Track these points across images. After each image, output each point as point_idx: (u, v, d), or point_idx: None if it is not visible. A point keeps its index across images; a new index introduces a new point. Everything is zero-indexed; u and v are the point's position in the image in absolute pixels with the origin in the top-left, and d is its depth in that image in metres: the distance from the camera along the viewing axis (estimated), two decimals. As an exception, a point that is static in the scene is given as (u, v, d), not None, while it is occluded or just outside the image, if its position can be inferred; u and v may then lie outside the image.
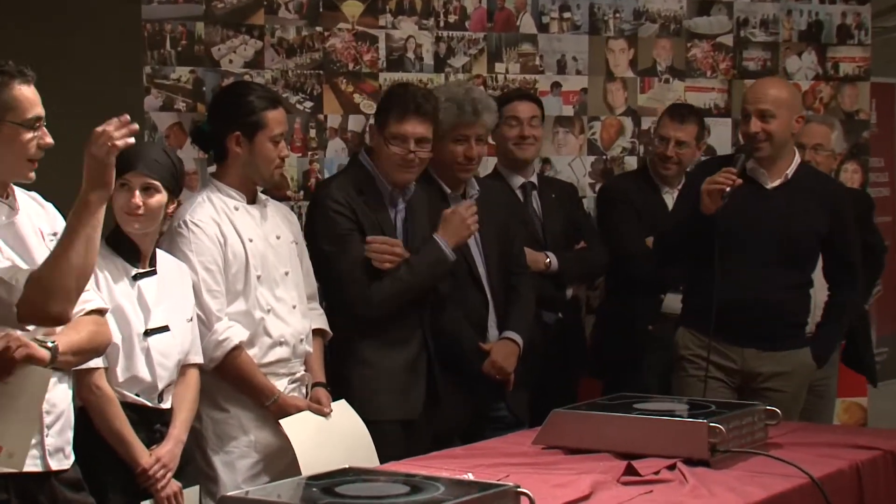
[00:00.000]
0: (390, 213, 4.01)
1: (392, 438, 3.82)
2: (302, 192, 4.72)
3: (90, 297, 2.95)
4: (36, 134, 2.82)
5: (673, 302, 4.48)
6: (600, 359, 4.78)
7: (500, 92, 4.82)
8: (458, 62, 4.94)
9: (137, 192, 3.33)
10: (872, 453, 3.24)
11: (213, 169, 3.88)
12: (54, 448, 2.92)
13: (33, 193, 3.00)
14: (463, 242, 4.05)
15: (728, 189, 3.89)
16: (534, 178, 4.62)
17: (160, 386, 3.37)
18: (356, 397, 3.85)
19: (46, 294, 2.72)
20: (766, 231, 4.02)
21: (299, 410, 3.67)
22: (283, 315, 3.74)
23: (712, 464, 3.05)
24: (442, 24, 4.92)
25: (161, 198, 3.37)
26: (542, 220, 4.56)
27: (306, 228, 4.03)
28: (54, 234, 2.94)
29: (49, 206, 3.03)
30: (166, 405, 3.40)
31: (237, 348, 3.61)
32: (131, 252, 3.40)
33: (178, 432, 3.40)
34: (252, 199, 3.80)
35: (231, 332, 3.62)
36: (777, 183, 4.08)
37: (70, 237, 2.74)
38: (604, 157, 5.13)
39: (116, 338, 3.25)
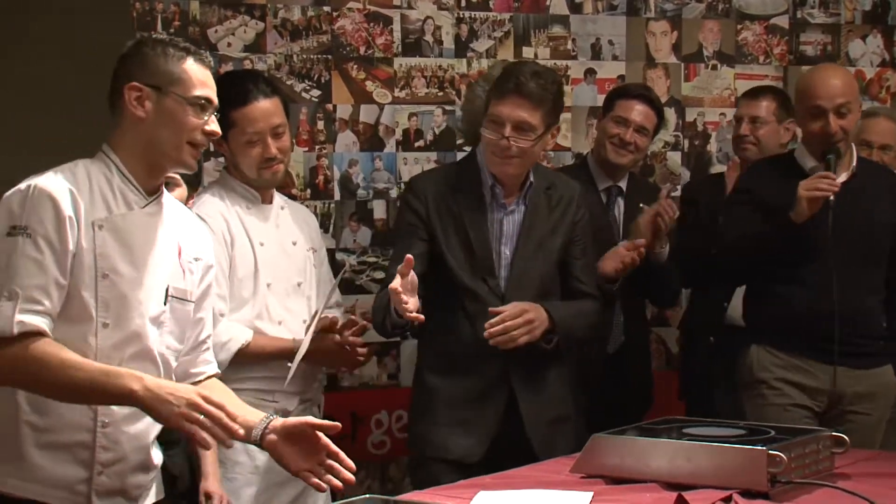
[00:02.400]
0: (490, 214, 3.77)
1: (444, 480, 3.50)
2: (309, 191, 4.63)
3: (210, 359, 2.98)
4: (202, 119, 2.81)
5: (735, 311, 4.40)
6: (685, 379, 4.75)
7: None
8: (482, 46, 4.86)
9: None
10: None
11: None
12: (105, 490, 2.82)
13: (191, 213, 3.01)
14: None
15: (832, 197, 3.85)
16: (623, 183, 4.45)
17: None
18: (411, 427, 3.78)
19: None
20: (843, 229, 3.94)
21: None
22: (294, 329, 3.68)
23: (772, 496, 2.96)
24: (463, 3, 4.85)
25: (182, 192, 3.36)
26: (621, 228, 4.41)
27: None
28: (196, 260, 2.93)
29: (207, 232, 3.05)
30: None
31: (243, 349, 3.57)
32: None
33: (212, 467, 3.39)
34: (268, 199, 3.73)
35: (234, 333, 3.57)
36: (844, 178, 4.01)
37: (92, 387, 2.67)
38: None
39: None
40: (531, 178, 3.81)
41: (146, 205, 2.85)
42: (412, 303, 3.32)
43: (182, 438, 3.30)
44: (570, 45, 4.97)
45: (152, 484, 2.92)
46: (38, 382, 2.69)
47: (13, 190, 2.73)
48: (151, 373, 2.76)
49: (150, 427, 2.85)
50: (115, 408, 2.80)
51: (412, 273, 3.32)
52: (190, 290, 2.91)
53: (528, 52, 4.89)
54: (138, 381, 2.66)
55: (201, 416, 2.61)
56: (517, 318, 3.64)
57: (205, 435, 2.62)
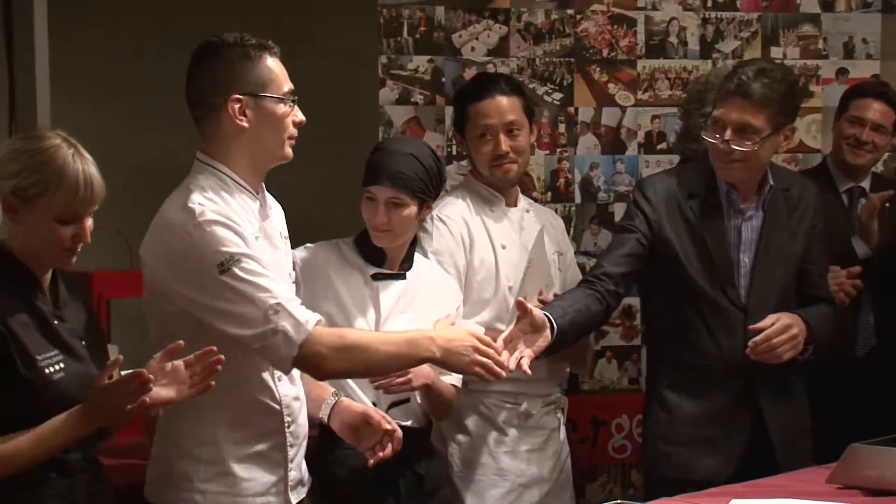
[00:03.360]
0: (729, 220, 3.63)
1: None
2: (549, 194, 4.67)
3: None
4: (291, 109, 2.91)
5: None
6: None
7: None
8: (728, 47, 4.79)
9: (381, 209, 3.36)
10: None
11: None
12: (295, 481, 3.01)
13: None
14: None
15: None
16: (865, 183, 4.33)
17: (382, 404, 3.35)
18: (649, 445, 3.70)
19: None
20: None
21: None
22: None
23: None
24: (709, 3, 4.79)
25: (410, 211, 3.38)
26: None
27: None
28: (285, 239, 3.08)
29: (277, 204, 3.11)
30: (408, 422, 3.38)
31: None
32: (375, 252, 3.42)
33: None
34: (512, 202, 3.79)
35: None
36: None
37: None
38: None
39: None
40: (770, 181, 3.65)
41: (260, 205, 2.94)
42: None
43: None
44: (820, 44, 4.85)
45: None
46: (361, 364, 2.91)
47: (180, 225, 2.77)
48: None
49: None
50: (294, 404, 2.97)
51: None
52: (294, 272, 3.16)
53: (776, 53, 4.80)
54: (433, 343, 2.94)
55: (484, 359, 2.96)
56: (782, 335, 3.51)
57: (487, 374, 2.98)
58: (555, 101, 4.71)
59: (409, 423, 3.35)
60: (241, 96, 2.83)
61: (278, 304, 2.78)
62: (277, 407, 2.95)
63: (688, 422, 3.61)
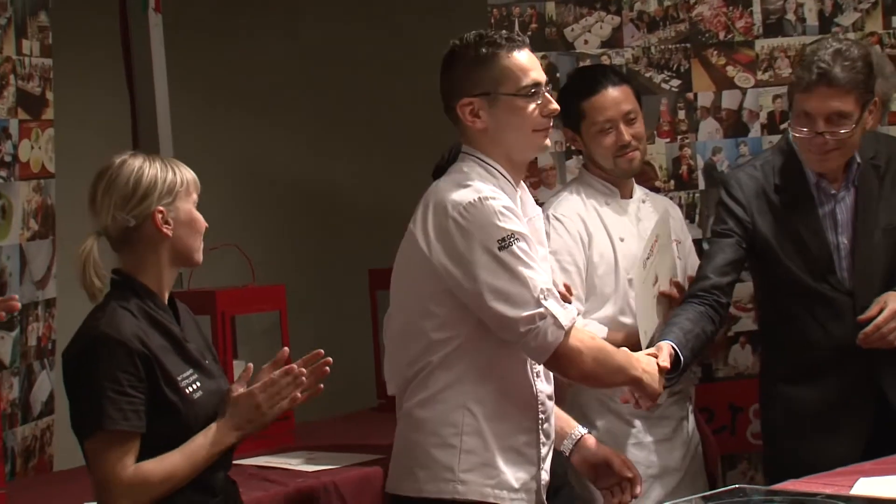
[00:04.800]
0: (821, 209, 3.64)
1: None
2: (673, 182, 4.69)
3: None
4: (538, 102, 2.95)
5: None
6: None
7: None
8: (848, 20, 4.73)
9: None
10: None
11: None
12: (545, 483, 3.05)
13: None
14: None
15: None
16: None
17: None
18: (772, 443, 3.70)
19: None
20: None
21: None
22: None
23: None
24: (826, -24, 4.75)
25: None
26: None
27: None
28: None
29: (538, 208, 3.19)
30: None
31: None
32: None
33: None
34: (627, 193, 3.81)
35: (591, 329, 3.57)
36: None
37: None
38: None
39: None
40: (857, 157, 3.63)
41: (520, 201, 2.99)
42: None
43: None
44: (950, 8, 4.76)
45: None
46: (603, 369, 2.96)
47: (459, 202, 2.85)
48: None
49: None
50: (548, 402, 3.00)
51: None
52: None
53: (898, 22, 4.74)
54: (638, 366, 3.02)
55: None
56: (892, 322, 3.49)
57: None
58: (673, 88, 4.71)
59: None
60: (471, 99, 2.91)
61: (549, 289, 2.85)
62: (534, 402, 2.99)
63: (809, 413, 3.63)
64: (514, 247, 2.81)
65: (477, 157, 2.96)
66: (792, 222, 3.63)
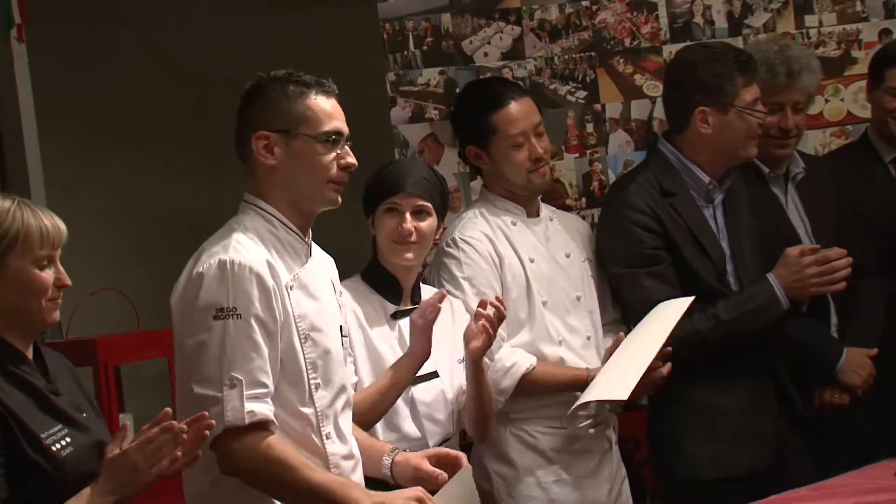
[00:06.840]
0: (706, 211, 3.75)
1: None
2: (584, 199, 4.57)
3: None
4: (336, 152, 2.84)
5: None
6: None
7: (818, 49, 4.50)
8: (758, 21, 4.66)
9: (408, 216, 3.30)
10: None
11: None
12: None
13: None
14: (797, 298, 3.72)
15: None
16: None
17: (431, 443, 3.28)
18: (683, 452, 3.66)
19: None
20: None
21: None
22: (576, 348, 3.64)
23: None
24: (733, -24, 4.68)
25: (432, 221, 3.36)
26: None
27: (596, 244, 3.85)
28: (340, 293, 3.04)
29: (329, 257, 3.07)
30: None
31: (528, 373, 3.53)
32: (390, 287, 3.35)
33: None
34: (534, 212, 3.68)
35: (517, 357, 3.54)
36: None
37: None
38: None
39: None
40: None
41: (307, 249, 2.89)
42: None
43: None
44: (858, 6, 4.70)
45: None
46: (278, 483, 2.73)
47: (205, 267, 2.74)
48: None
49: None
50: (344, 463, 2.89)
51: None
52: (346, 324, 3.02)
53: (810, 21, 4.65)
54: (368, 497, 2.76)
55: None
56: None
57: None
58: (579, 100, 4.60)
59: None
60: (268, 133, 2.82)
61: (237, 379, 2.70)
62: (327, 465, 2.87)
63: (718, 415, 3.64)
64: (231, 322, 2.71)
65: (257, 207, 2.87)
66: (682, 224, 3.70)
